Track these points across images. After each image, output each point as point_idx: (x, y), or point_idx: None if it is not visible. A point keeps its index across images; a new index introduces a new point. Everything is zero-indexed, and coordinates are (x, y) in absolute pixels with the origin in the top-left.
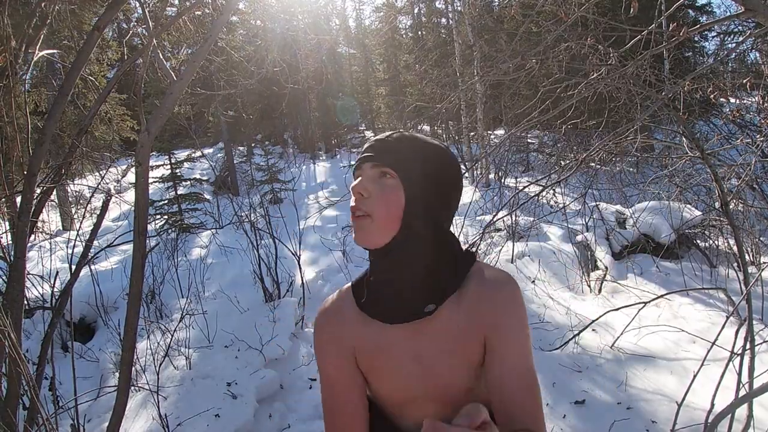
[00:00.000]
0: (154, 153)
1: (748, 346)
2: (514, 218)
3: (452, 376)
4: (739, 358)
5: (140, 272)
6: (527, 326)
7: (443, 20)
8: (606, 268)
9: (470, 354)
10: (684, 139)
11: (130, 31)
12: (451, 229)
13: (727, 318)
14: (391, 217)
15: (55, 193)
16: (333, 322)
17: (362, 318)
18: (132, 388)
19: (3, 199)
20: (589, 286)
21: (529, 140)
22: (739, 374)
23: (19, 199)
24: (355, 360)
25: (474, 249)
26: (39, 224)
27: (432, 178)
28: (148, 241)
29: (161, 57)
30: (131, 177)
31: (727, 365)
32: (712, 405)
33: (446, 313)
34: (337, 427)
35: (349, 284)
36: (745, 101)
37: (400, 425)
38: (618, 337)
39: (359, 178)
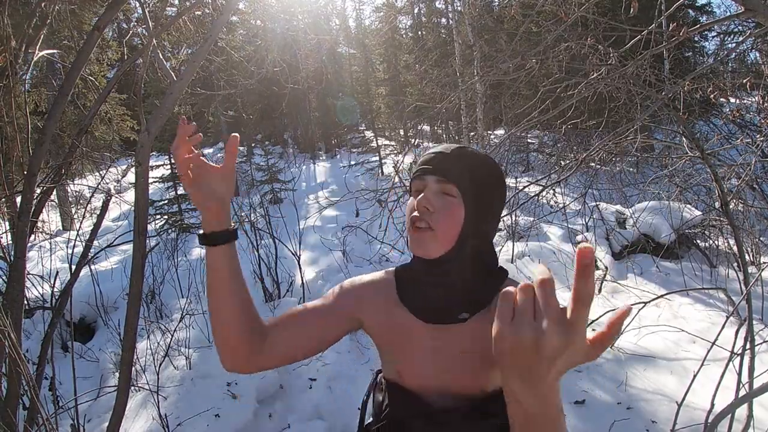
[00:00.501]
0: (154, 153)
1: (748, 346)
2: (514, 218)
3: (466, 376)
4: (739, 358)
5: (140, 272)
6: None
7: (443, 20)
8: (606, 268)
9: (489, 360)
10: (684, 139)
11: (130, 31)
12: None
13: (727, 318)
14: (450, 234)
15: (55, 193)
16: (372, 290)
17: (397, 303)
18: (132, 388)
19: (3, 199)
20: None
21: (529, 140)
22: (739, 374)
23: (19, 199)
24: (351, 314)
25: None
26: (39, 224)
27: (488, 198)
28: (148, 241)
29: (161, 57)
30: (131, 177)
31: (727, 365)
32: (712, 405)
33: (475, 321)
34: (284, 320)
35: (394, 268)
36: (745, 101)
37: (414, 401)
38: (618, 337)
39: (423, 192)
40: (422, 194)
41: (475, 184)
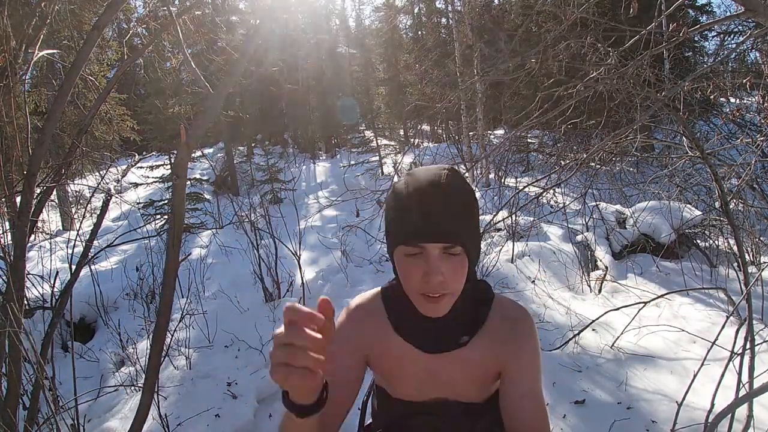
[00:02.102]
0: (154, 153)
1: (748, 346)
2: (514, 218)
3: (460, 393)
4: (739, 358)
5: (172, 284)
6: (539, 356)
7: (443, 20)
8: (606, 268)
9: (483, 378)
10: (684, 138)
11: (130, 31)
12: None
13: (727, 318)
14: (461, 288)
15: (55, 193)
16: (363, 322)
17: (390, 332)
18: (132, 388)
19: (3, 199)
20: (589, 286)
21: (529, 140)
22: (739, 374)
23: (19, 199)
24: (363, 361)
25: None
26: (39, 224)
27: (477, 227)
28: (148, 241)
29: (195, 68)
30: (131, 177)
31: (727, 365)
32: (712, 405)
33: (473, 340)
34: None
35: (379, 290)
36: (745, 101)
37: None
38: (618, 337)
39: (425, 258)
40: (427, 262)
41: (469, 226)
